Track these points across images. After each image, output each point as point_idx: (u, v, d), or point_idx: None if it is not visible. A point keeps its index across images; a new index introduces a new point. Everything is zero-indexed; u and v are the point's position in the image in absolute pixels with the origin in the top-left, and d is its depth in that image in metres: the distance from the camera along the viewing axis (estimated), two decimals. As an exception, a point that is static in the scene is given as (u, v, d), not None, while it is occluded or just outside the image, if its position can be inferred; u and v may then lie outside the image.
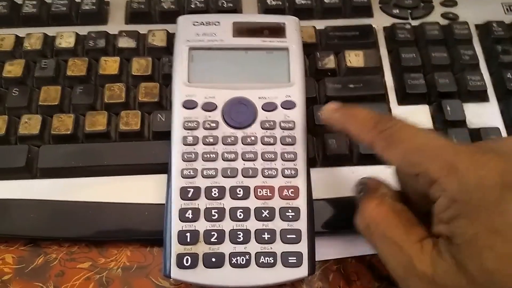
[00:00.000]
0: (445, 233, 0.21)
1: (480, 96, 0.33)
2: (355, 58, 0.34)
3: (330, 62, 0.34)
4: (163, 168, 0.29)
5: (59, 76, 0.33)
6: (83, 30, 0.35)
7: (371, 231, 0.24)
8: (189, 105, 0.29)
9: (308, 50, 0.34)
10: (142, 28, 0.35)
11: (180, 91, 0.29)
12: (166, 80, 0.32)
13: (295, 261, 0.26)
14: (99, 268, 0.29)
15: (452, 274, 0.20)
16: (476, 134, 0.32)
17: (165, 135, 0.30)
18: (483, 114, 0.33)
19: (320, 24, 0.36)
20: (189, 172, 0.28)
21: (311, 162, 0.30)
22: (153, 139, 0.31)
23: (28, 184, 0.30)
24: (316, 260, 0.27)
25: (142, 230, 0.29)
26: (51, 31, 0.35)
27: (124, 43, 0.34)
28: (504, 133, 0.32)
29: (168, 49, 0.34)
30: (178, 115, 0.29)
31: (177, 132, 0.29)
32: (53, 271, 0.29)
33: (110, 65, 0.33)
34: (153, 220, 0.29)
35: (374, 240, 0.24)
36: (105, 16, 0.36)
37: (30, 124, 0.31)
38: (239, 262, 0.26)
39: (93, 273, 0.29)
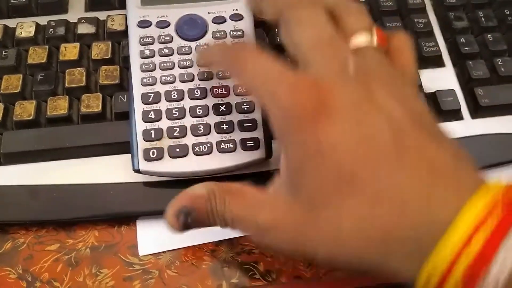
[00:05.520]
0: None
1: (436, 61, 0.34)
2: (312, 32, 0.34)
3: (288, 37, 0.34)
4: (126, 147, 0.30)
5: (20, 65, 0.33)
6: (44, 20, 0.35)
7: (229, 222, 0.23)
8: (144, 24, 0.31)
9: (268, 27, 0.35)
10: (101, 15, 0.35)
11: (134, 14, 0.32)
12: (126, 63, 0.33)
13: (253, 145, 0.29)
14: (67, 249, 0.30)
15: (286, 197, 0.21)
16: (433, 98, 0.32)
17: (127, 116, 0.30)
18: (439, 78, 0.34)
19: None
20: (149, 80, 0.30)
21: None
22: (115, 120, 0.31)
23: (-8, 171, 0.30)
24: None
25: (108, 209, 0.29)
26: (11, 22, 0.35)
27: (84, 29, 0.34)
28: (460, 94, 0.33)
29: (127, 32, 0.34)
30: (134, 34, 0.31)
31: (134, 49, 0.31)
32: (21, 255, 0.29)
33: (70, 51, 0.33)
34: (119, 199, 0.29)
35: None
36: (65, 5, 0.36)
37: (-8, 113, 0.31)
38: (201, 150, 0.28)
39: (61, 254, 0.29)
